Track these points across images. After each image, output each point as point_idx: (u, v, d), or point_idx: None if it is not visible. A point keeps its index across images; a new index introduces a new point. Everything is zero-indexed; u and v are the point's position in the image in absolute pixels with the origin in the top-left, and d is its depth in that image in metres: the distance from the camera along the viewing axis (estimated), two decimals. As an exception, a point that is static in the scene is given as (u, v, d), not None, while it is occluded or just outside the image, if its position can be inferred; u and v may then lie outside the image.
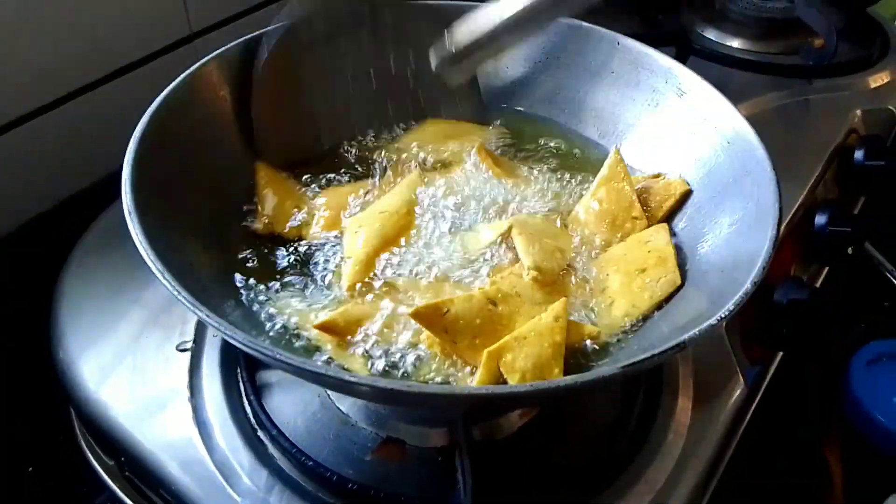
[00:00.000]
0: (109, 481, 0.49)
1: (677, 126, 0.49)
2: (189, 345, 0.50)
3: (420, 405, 0.40)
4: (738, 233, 0.41)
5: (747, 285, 0.34)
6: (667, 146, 0.50)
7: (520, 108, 0.58)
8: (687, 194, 0.47)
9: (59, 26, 0.58)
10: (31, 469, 0.56)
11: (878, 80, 0.78)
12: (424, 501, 0.41)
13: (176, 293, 0.33)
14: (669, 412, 0.47)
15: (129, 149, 0.39)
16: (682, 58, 0.68)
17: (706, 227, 0.44)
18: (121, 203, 0.37)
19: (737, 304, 0.33)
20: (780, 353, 0.60)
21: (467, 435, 0.40)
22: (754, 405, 0.55)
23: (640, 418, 0.47)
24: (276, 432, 0.44)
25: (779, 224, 0.37)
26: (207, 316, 0.32)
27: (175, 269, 0.35)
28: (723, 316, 0.33)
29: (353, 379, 0.30)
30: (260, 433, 0.45)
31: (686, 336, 0.31)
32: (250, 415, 0.46)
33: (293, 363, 0.31)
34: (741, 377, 0.51)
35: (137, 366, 0.49)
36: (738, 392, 0.50)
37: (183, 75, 0.45)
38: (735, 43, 0.83)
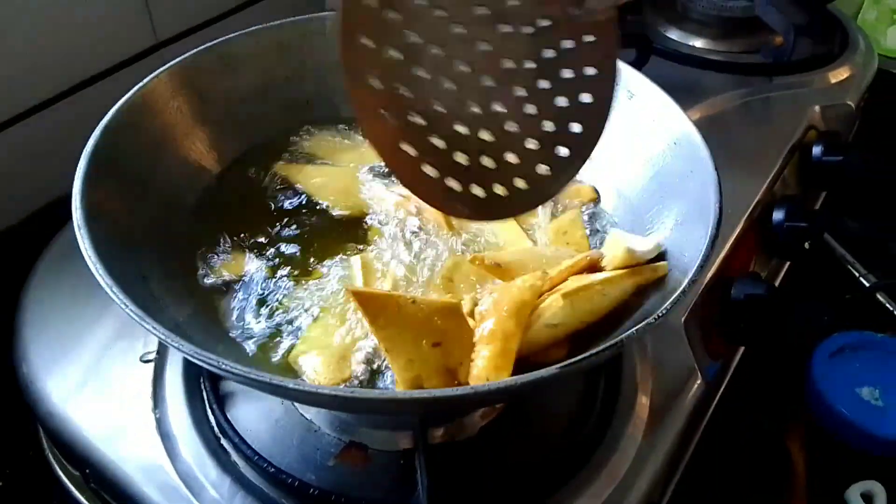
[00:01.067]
0: (78, 494, 0.49)
1: (627, 127, 0.50)
2: (153, 356, 0.50)
3: (367, 410, 0.41)
4: (681, 231, 0.42)
5: (685, 284, 0.34)
6: (617, 147, 0.51)
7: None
8: (593, 201, 0.50)
9: (21, 37, 0.58)
10: (0, 484, 0.56)
11: (838, 75, 0.79)
12: (384, 505, 0.42)
13: (123, 305, 0.33)
14: (628, 408, 0.48)
15: (79, 163, 0.40)
16: (643, 59, 0.69)
17: (653, 226, 0.45)
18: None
19: (673, 302, 0.34)
20: (742, 347, 0.61)
21: (424, 437, 0.41)
22: (717, 398, 0.56)
23: (600, 415, 0.47)
24: (238, 440, 0.44)
25: (718, 224, 0.38)
26: (154, 328, 0.32)
27: (125, 281, 0.35)
28: (660, 314, 0.33)
29: (298, 387, 0.31)
30: (223, 441, 0.45)
31: (623, 335, 0.32)
32: (213, 424, 0.46)
33: (239, 372, 0.31)
34: (699, 372, 0.52)
35: (102, 378, 0.49)
36: (696, 386, 0.51)
37: (136, 87, 0.45)
38: (697, 42, 0.84)
